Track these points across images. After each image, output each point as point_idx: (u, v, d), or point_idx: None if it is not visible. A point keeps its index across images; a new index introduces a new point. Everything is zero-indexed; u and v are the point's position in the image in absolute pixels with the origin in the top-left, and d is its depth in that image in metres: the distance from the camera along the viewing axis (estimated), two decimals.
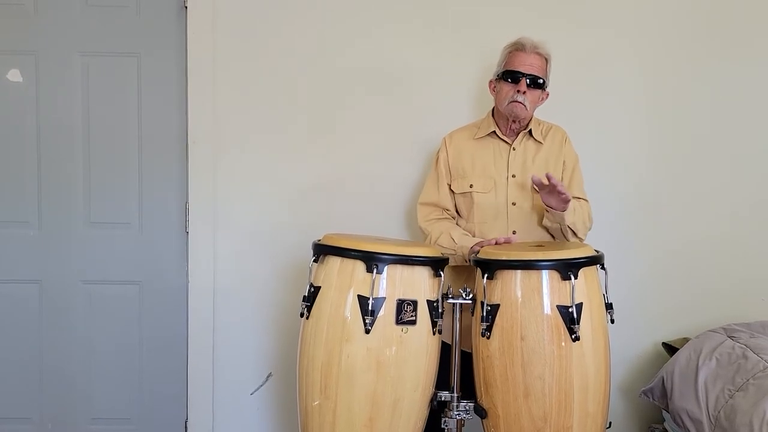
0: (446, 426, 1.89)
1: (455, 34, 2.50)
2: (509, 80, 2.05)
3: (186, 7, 2.49)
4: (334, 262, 1.80)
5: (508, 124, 2.12)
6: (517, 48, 2.08)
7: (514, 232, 2.08)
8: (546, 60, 2.09)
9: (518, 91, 2.03)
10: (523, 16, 2.51)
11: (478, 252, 1.90)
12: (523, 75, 2.03)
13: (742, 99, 2.55)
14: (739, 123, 2.55)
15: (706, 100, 2.55)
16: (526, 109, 2.05)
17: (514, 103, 2.04)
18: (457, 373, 1.88)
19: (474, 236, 2.09)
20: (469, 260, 1.97)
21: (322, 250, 1.85)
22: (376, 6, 2.51)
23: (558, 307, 1.71)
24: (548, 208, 1.98)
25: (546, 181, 1.90)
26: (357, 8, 2.51)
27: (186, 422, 2.59)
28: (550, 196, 1.93)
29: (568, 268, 1.72)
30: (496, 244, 1.93)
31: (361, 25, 2.51)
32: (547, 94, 2.14)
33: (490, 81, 2.16)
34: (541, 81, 2.06)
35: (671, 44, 2.54)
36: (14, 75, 2.52)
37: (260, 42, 2.51)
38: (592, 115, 2.54)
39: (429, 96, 2.52)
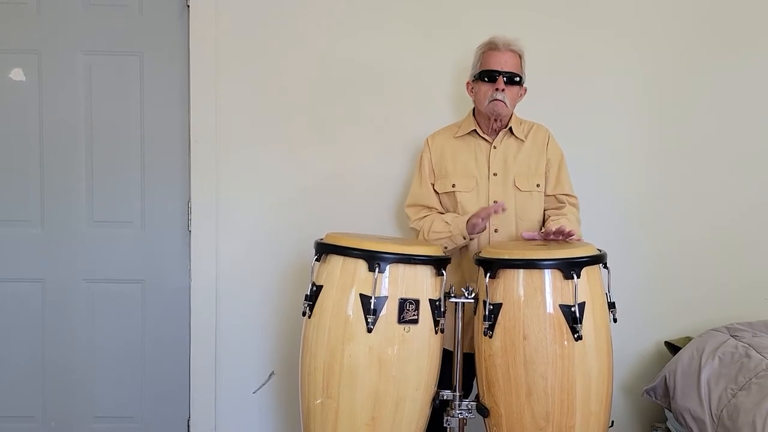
0: (448, 425, 1.89)
1: (457, 37, 2.49)
2: (486, 80, 2.07)
3: (188, 7, 2.49)
4: (336, 261, 1.80)
5: (490, 123, 2.14)
6: (490, 47, 2.10)
7: (495, 231, 2.10)
8: (520, 56, 2.11)
9: (497, 90, 2.05)
10: (523, 17, 2.50)
11: (478, 224, 1.94)
12: (500, 73, 2.06)
13: (744, 98, 2.54)
14: (742, 122, 2.55)
15: (708, 99, 2.54)
16: (507, 106, 2.07)
17: (494, 102, 2.06)
18: (459, 372, 1.88)
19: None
20: (468, 236, 1.98)
21: (324, 249, 1.85)
22: (377, 6, 2.51)
23: (560, 306, 1.71)
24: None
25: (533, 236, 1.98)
26: (358, 8, 2.51)
27: (189, 421, 2.60)
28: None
29: (570, 267, 1.72)
30: (495, 212, 1.93)
31: (363, 25, 2.51)
32: (525, 90, 2.16)
33: (467, 82, 2.19)
34: (517, 78, 2.08)
35: (672, 44, 2.53)
36: (17, 74, 2.52)
37: (262, 41, 2.51)
38: (594, 114, 2.53)
39: (431, 95, 2.52)
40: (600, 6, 2.52)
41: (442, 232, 2.05)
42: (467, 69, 2.20)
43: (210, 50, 2.49)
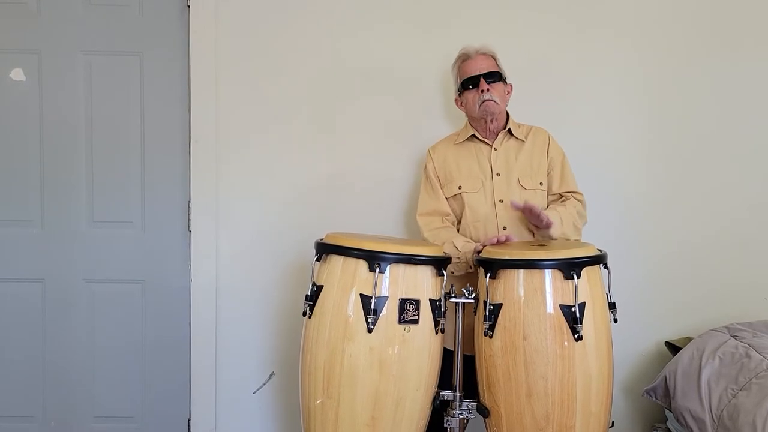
0: (449, 425, 1.89)
1: (457, 36, 2.48)
2: (470, 86, 2.13)
3: (189, 7, 2.49)
4: (336, 261, 1.80)
5: (486, 126, 2.16)
6: (463, 59, 2.19)
7: (504, 228, 2.10)
8: (493, 57, 2.18)
9: (482, 91, 2.10)
10: (523, 17, 2.51)
11: (480, 251, 1.91)
12: (480, 75, 2.11)
13: (744, 97, 2.54)
14: (742, 122, 2.55)
15: (708, 99, 2.54)
16: (498, 104, 2.12)
17: (485, 103, 2.10)
18: (459, 373, 1.88)
19: (469, 237, 2.12)
20: (473, 265, 1.99)
21: (324, 249, 1.85)
22: (377, 6, 2.51)
23: (561, 306, 1.71)
24: (535, 228, 2.05)
25: (521, 205, 2.00)
26: (359, 8, 2.51)
27: (189, 420, 2.60)
28: (532, 217, 2.00)
29: (570, 268, 1.72)
30: (498, 243, 1.94)
31: (363, 25, 2.51)
32: (511, 87, 2.21)
33: (455, 99, 2.24)
34: (498, 74, 2.14)
35: (672, 44, 2.53)
36: (17, 74, 2.52)
37: (262, 41, 2.51)
38: (595, 115, 2.53)
39: (430, 95, 2.52)
40: (600, 6, 2.52)
41: (451, 256, 2.04)
42: None
43: (210, 50, 2.49)
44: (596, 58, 2.53)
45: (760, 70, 2.54)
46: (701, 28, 2.53)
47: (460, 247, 2.04)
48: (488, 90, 2.09)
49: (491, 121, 2.14)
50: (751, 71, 2.54)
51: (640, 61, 2.53)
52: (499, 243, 1.94)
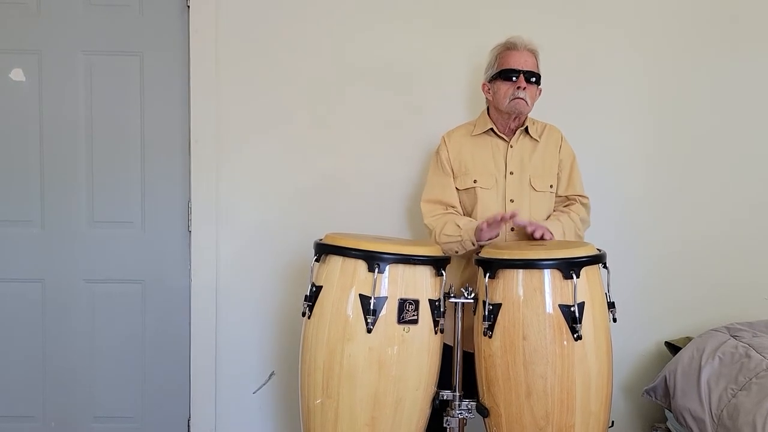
0: (448, 425, 1.89)
1: (456, 34, 2.50)
2: (507, 78, 2.07)
3: (189, 7, 2.49)
4: (336, 262, 1.80)
5: (508, 123, 2.14)
6: (508, 47, 2.11)
7: (512, 229, 2.09)
8: (536, 57, 2.13)
9: (519, 88, 2.05)
10: (522, 15, 2.50)
11: (483, 231, 1.93)
12: (521, 72, 2.06)
13: (745, 97, 2.54)
14: (743, 122, 2.55)
15: (709, 98, 2.54)
16: (528, 104, 2.08)
17: (516, 101, 2.06)
18: (459, 373, 1.88)
19: None
20: (477, 243, 1.98)
21: (324, 250, 1.85)
22: (377, 5, 2.51)
23: (560, 306, 1.71)
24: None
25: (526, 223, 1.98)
26: (358, 7, 2.51)
27: (189, 421, 2.60)
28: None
29: (570, 267, 1.72)
30: (501, 219, 1.91)
31: (363, 24, 2.51)
32: (540, 90, 2.16)
33: (483, 83, 2.18)
34: (538, 76, 2.10)
35: (673, 42, 2.53)
36: (17, 74, 2.52)
37: (262, 41, 2.51)
38: (595, 114, 2.53)
39: (430, 94, 2.52)
40: (599, 5, 2.52)
41: (452, 235, 2.04)
42: (470, 69, 2.19)
43: (210, 50, 2.49)
44: (596, 58, 2.52)
45: (761, 70, 2.54)
46: (701, 28, 2.53)
47: (462, 225, 2.03)
48: (525, 89, 2.06)
49: (515, 119, 2.13)
50: (752, 71, 2.54)
51: (640, 61, 2.53)
52: (503, 220, 1.91)
